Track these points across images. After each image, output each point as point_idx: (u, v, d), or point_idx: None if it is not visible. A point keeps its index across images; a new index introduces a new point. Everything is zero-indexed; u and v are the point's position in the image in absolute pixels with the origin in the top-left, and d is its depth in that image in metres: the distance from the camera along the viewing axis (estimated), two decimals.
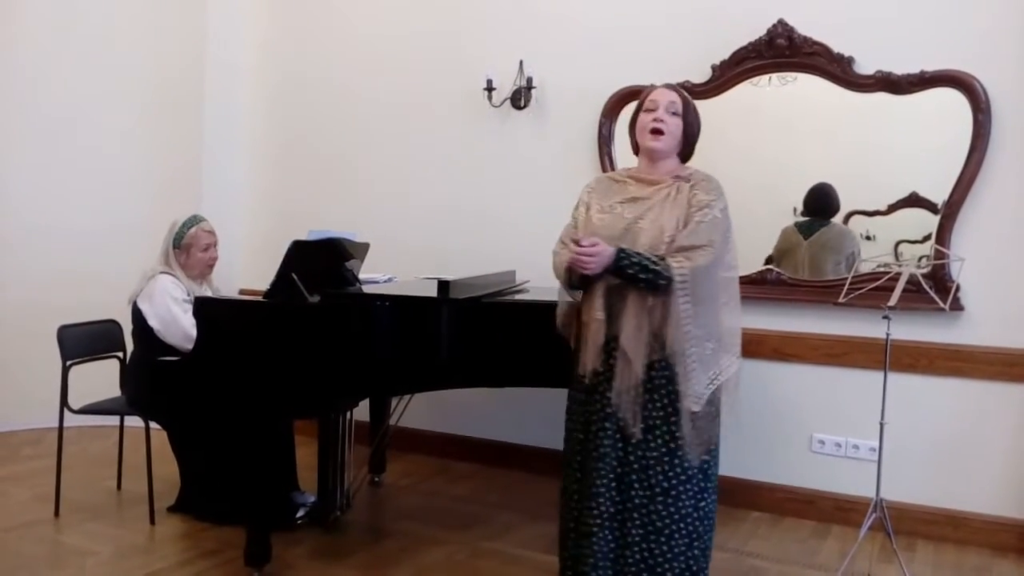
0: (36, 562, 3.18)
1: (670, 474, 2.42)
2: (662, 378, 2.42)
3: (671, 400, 2.42)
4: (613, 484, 2.43)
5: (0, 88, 4.99)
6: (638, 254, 2.39)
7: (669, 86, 2.64)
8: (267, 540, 3.07)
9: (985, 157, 3.57)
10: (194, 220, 3.76)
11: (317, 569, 3.19)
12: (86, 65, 5.13)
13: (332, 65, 5.03)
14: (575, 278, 2.49)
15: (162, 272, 3.65)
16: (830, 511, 3.85)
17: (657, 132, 2.51)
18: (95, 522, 3.61)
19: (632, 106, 2.74)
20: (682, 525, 2.43)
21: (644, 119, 2.54)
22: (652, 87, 2.64)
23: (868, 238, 3.85)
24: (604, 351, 2.45)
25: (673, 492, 2.42)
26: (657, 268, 2.38)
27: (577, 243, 2.38)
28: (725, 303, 2.49)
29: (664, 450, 2.42)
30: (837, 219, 3.91)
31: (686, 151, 2.61)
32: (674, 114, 2.54)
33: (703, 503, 2.47)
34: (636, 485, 2.42)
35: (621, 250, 2.38)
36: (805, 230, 3.97)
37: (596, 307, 2.44)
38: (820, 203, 3.92)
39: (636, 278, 2.38)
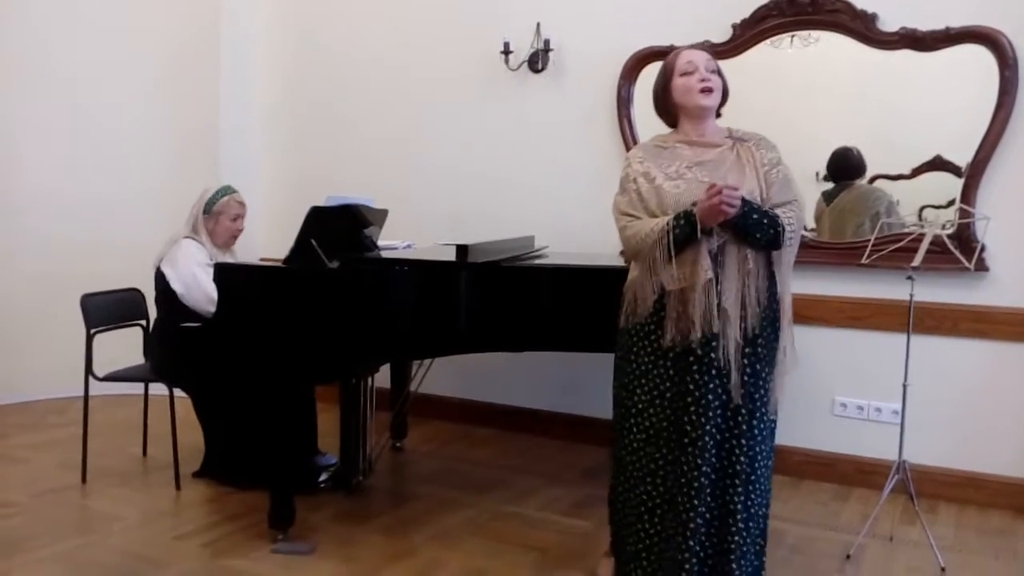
0: (65, 527, 3.24)
1: (759, 436, 2.42)
2: (756, 344, 2.41)
3: (752, 362, 2.41)
4: (715, 452, 2.40)
5: (16, 58, 5.00)
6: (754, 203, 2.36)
7: (695, 47, 2.61)
8: (291, 503, 3.10)
9: (1011, 114, 3.51)
10: (227, 190, 3.79)
11: (340, 532, 3.23)
12: (101, 34, 5.12)
13: (348, 30, 4.99)
14: (704, 228, 2.31)
15: (186, 237, 3.68)
16: (852, 474, 3.85)
17: (707, 91, 2.48)
18: (121, 488, 3.66)
19: (648, 72, 2.64)
20: (761, 485, 2.45)
21: (688, 81, 2.48)
22: (676, 52, 2.58)
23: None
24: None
25: (760, 452, 2.43)
26: (775, 216, 2.37)
27: (712, 188, 2.26)
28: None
29: (752, 409, 2.41)
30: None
31: (721, 108, 2.58)
32: (713, 72, 2.51)
33: (771, 462, 2.50)
34: (737, 451, 2.39)
35: (743, 198, 2.33)
36: (828, 197, 3.93)
37: (703, 266, 2.33)
38: (839, 166, 3.88)
39: (760, 224, 2.33)
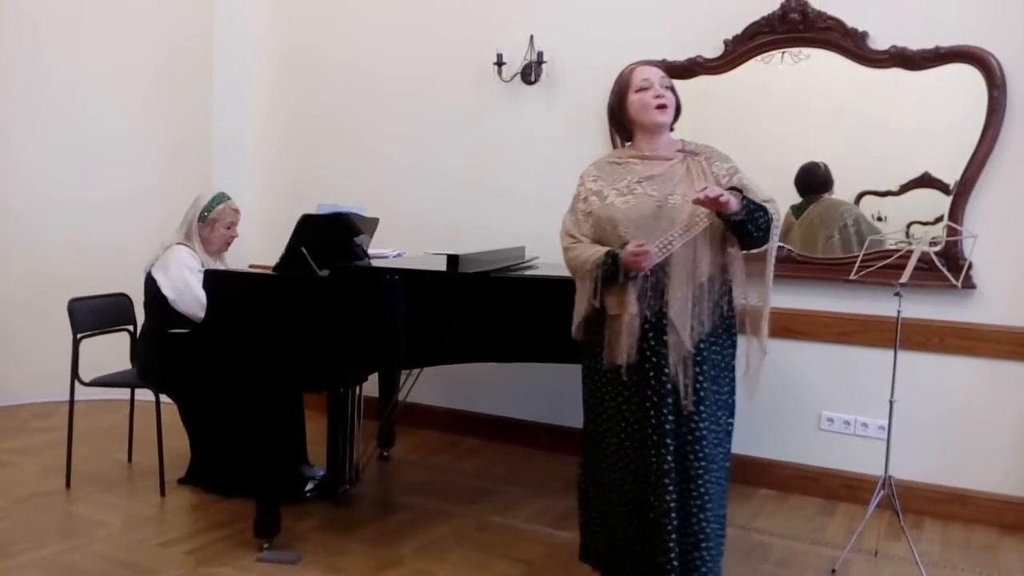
0: (48, 532, 3.21)
1: (715, 441, 2.46)
2: (706, 348, 2.44)
3: (711, 367, 2.45)
4: (675, 457, 2.43)
5: (10, 61, 4.99)
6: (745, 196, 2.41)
7: (649, 63, 2.68)
8: (277, 512, 3.09)
9: (999, 134, 3.54)
10: (222, 197, 3.79)
11: (326, 541, 3.21)
12: (96, 39, 5.11)
13: (342, 38, 5.00)
14: (627, 274, 2.38)
15: (179, 243, 3.67)
16: (837, 489, 3.86)
17: (663, 107, 2.53)
18: (106, 494, 3.64)
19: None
20: (718, 487, 2.48)
21: (643, 97, 2.54)
22: (631, 68, 2.66)
23: (880, 219, 3.82)
24: (642, 337, 2.42)
25: (713, 457, 2.46)
26: (764, 206, 2.41)
27: (640, 247, 2.31)
28: None
29: (712, 419, 2.45)
30: (845, 196, 3.89)
31: (674, 123, 2.65)
32: (667, 88, 2.58)
33: (727, 463, 2.54)
34: (692, 456, 2.43)
35: (735, 189, 2.37)
36: (796, 211, 3.96)
37: (630, 300, 2.41)
38: (806, 180, 3.93)
39: (759, 211, 2.38)
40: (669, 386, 2.41)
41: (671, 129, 2.64)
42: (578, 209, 2.59)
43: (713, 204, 2.28)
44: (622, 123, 2.65)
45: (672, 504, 2.42)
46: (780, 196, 3.91)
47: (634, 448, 2.47)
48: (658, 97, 2.53)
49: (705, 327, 2.42)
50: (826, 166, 3.88)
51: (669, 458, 2.42)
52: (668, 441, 2.42)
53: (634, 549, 2.50)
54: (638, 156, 2.58)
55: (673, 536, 2.42)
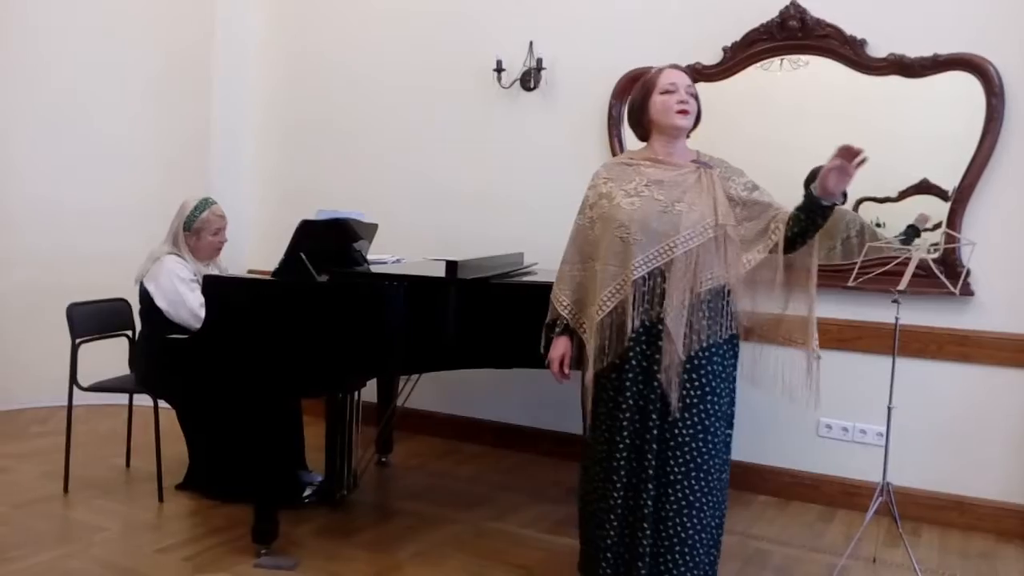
0: (45, 537, 3.21)
1: (703, 450, 2.45)
2: (700, 358, 2.44)
3: (708, 380, 2.45)
4: (652, 461, 2.45)
5: (8, 66, 5.00)
6: None
7: (677, 67, 2.68)
8: (275, 518, 3.09)
9: (997, 141, 3.55)
10: (206, 204, 3.75)
11: (324, 547, 3.21)
12: (94, 42, 5.12)
13: (342, 45, 5.02)
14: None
15: (168, 253, 3.65)
16: (836, 495, 3.86)
17: (684, 112, 2.52)
18: (104, 499, 3.63)
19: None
20: (711, 497, 2.48)
21: (667, 100, 2.52)
22: (659, 69, 2.62)
23: (878, 225, 3.83)
24: (635, 340, 2.45)
25: (705, 467, 2.46)
26: None
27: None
28: None
29: (700, 427, 2.44)
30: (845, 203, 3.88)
31: (691, 131, 2.63)
32: (692, 95, 2.56)
33: (724, 475, 2.54)
34: (672, 462, 2.44)
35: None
36: None
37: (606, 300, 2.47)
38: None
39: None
40: (659, 391, 2.43)
41: (687, 137, 2.63)
42: (585, 216, 2.63)
43: (851, 159, 2.32)
44: (640, 122, 2.62)
45: (649, 509, 2.44)
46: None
47: (620, 453, 2.48)
48: (681, 102, 2.51)
49: (702, 337, 2.42)
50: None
51: (654, 463, 2.44)
52: (653, 447, 2.43)
53: (611, 554, 2.52)
54: (651, 159, 2.57)
55: (645, 542, 2.45)
